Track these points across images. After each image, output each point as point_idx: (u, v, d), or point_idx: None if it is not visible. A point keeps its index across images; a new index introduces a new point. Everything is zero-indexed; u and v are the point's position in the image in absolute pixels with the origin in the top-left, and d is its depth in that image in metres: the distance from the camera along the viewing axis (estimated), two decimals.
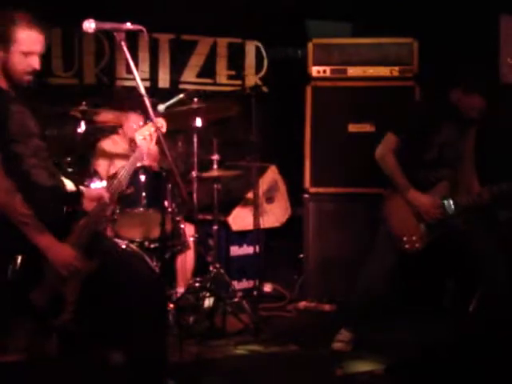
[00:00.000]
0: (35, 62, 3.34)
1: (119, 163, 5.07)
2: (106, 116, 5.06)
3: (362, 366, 4.38)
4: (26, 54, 3.30)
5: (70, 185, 3.54)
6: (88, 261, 3.35)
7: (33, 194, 3.26)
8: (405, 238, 4.39)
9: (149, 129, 3.74)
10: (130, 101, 5.52)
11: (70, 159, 4.78)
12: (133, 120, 5.47)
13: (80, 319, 3.64)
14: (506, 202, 4.69)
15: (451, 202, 4.41)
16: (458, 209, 4.40)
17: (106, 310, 3.55)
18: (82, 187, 3.57)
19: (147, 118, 4.22)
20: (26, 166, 3.29)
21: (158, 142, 3.54)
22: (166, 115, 4.99)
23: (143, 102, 3.33)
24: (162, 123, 3.88)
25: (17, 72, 3.32)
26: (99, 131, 5.58)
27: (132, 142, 5.03)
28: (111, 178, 4.53)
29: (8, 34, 3.25)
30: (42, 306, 3.23)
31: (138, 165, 4.77)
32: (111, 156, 5.34)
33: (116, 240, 4.61)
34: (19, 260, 3.17)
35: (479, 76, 4.49)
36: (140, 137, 3.72)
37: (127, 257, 3.77)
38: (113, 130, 5.63)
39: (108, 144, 5.47)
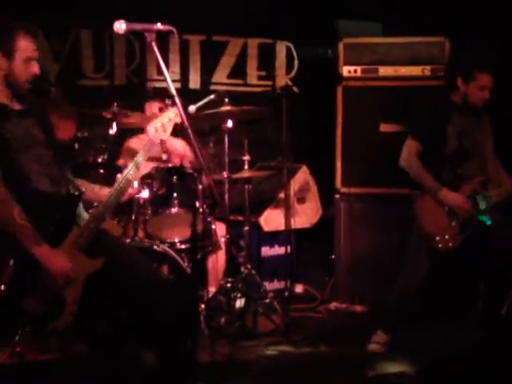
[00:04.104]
0: (35, 68, 3.43)
1: (146, 163, 5.07)
2: (136, 118, 5.07)
3: (394, 368, 4.36)
4: (28, 60, 3.38)
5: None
6: (92, 260, 3.37)
7: (31, 200, 3.31)
8: (437, 238, 4.36)
9: (162, 120, 3.69)
10: (152, 89, 5.55)
11: (101, 160, 4.79)
12: (156, 109, 5.47)
13: (111, 320, 3.67)
14: None
15: (483, 197, 4.38)
16: (490, 203, 4.37)
17: (134, 310, 3.57)
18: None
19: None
20: (26, 172, 3.35)
21: (188, 141, 3.47)
22: (197, 116, 5.02)
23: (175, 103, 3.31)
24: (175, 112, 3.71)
25: (20, 79, 3.40)
26: (130, 132, 5.59)
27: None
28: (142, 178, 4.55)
29: (12, 42, 3.34)
30: (39, 311, 3.25)
31: (170, 165, 4.80)
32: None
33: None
34: (12, 264, 3.20)
35: (473, 60, 4.48)
36: (152, 130, 3.68)
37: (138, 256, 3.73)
38: (142, 130, 5.64)
39: (134, 142, 5.46)
